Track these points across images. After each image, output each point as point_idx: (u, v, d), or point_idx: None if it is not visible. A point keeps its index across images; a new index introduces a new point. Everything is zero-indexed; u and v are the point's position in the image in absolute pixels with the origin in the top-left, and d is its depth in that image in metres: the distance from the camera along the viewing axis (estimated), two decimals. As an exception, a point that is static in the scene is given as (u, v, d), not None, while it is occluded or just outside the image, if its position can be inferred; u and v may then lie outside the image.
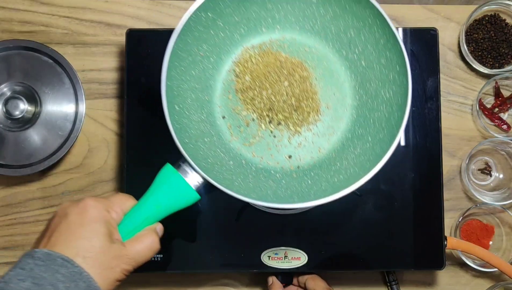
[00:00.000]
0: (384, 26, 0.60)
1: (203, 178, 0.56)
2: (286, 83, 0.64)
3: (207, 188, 0.57)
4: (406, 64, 0.58)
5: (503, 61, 0.76)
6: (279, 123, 0.65)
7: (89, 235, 0.49)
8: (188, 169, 0.56)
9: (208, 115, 0.65)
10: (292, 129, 0.65)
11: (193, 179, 0.56)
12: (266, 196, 0.60)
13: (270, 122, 0.65)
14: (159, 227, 0.56)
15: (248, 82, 0.65)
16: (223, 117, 0.66)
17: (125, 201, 0.55)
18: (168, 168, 0.56)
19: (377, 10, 0.59)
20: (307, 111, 0.65)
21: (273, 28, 0.66)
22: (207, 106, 0.65)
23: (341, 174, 0.62)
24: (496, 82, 0.76)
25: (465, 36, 0.76)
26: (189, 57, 0.61)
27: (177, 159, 0.57)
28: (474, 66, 0.76)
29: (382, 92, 0.63)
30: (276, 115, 0.65)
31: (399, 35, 0.70)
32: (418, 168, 0.69)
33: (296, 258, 0.69)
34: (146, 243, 0.53)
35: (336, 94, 0.66)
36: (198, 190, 0.56)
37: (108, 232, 0.50)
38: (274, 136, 0.65)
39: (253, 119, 0.65)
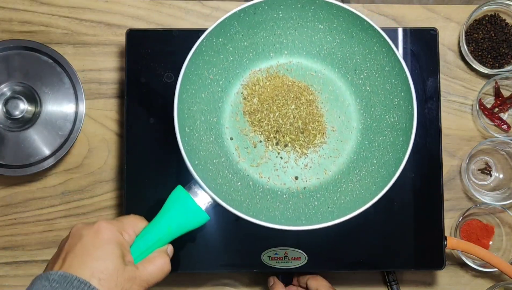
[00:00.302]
0: (390, 54, 0.62)
1: (214, 201, 0.57)
2: (293, 106, 0.66)
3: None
4: (411, 90, 0.60)
5: (503, 61, 0.76)
6: (285, 145, 0.67)
7: (103, 256, 0.49)
8: (198, 190, 0.57)
9: (216, 137, 0.67)
10: (298, 151, 0.66)
11: (203, 200, 0.57)
12: (274, 218, 0.62)
13: (277, 143, 0.67)
14: (170, 249, 0.56)
15: (256, 104, 0.67)
16: (231, 139, 0.68)
17: (137, 223, 0.55)
18: (179, 190, 0.57)
19: (384, 38, 0.61)
20: (313, 133, 0.67)
21: (281, 53, 0.68)
22: (216, 128, 0.67)
23: (347, 196, 0.64)
24: (496, 82, 0.76)
25: (465, 36, 0.76)
26: (199, 80, 0.63)
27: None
28: (474, 66, 0.76)
29: (386, 117, 0.65)
30: (283, 137, 0.66)
31: (400, 36, 0.71)
32: (418, 168, 0.69)
33: (296, 258, 0.69)
34: (157, 265, 0.53)
35: (341, 117, 0.68)
36: (207, 210, 0.57)
37: (122, 254, 0.50)
38: (281, 158, 0.67)
39: (260, 141, 0.67)
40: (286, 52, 0.68)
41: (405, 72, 0.60)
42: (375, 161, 0.64)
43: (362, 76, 0.66)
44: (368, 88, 0.66)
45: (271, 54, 0.68)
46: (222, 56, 0.65)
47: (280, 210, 0.64)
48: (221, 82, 0.67)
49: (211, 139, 0.66)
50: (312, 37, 0.66)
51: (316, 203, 0.64)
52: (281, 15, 0.64)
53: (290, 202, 0.65)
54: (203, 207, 0.57)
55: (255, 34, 0.65)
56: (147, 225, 0.56)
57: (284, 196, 0.66)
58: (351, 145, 0.68)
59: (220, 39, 0.63)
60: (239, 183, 0.66)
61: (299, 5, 0.62)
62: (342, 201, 0.63)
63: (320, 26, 0.65)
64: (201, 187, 0.57)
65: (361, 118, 0.68)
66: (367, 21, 0.61)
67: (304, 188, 0.66)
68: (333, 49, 0.67)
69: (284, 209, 0.64)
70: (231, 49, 0.65)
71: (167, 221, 0.56)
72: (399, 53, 0.61)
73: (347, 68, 0.67)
